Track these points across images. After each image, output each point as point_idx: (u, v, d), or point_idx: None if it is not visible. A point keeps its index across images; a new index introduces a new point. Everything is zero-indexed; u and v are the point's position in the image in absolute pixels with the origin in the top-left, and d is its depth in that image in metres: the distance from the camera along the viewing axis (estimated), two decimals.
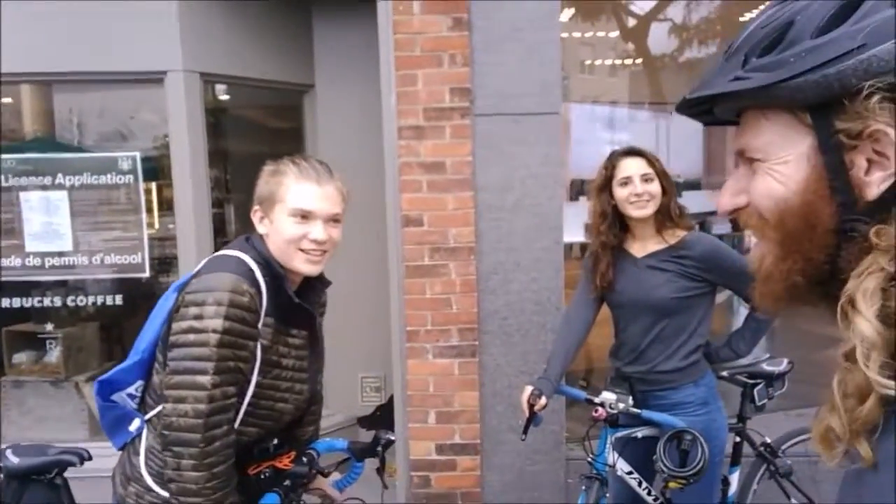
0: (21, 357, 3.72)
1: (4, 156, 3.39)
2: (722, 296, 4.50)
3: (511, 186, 3.10)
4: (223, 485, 1.45)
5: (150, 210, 3.50)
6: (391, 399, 3.42)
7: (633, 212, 2.20)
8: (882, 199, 0.55)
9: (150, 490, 1.53)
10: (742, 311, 4.64)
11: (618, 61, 5.74)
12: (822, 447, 0.60)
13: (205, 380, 1.41)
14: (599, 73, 5.90)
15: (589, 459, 2.29)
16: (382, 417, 3.67)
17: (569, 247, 3.44)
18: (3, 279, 3.45)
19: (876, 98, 0.53)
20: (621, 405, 2.17)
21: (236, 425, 1.51)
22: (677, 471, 1.98)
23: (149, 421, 1.57)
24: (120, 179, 3.37)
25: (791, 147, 0.59)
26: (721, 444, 2.28)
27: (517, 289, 3.14)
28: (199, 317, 1.42)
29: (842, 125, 0.55)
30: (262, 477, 1.59)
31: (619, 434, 2.24)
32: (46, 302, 3.55)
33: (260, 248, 1.55)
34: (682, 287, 2.19)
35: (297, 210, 1.51)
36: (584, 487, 2.29)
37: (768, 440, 2.72)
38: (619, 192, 2.21)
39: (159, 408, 1.51)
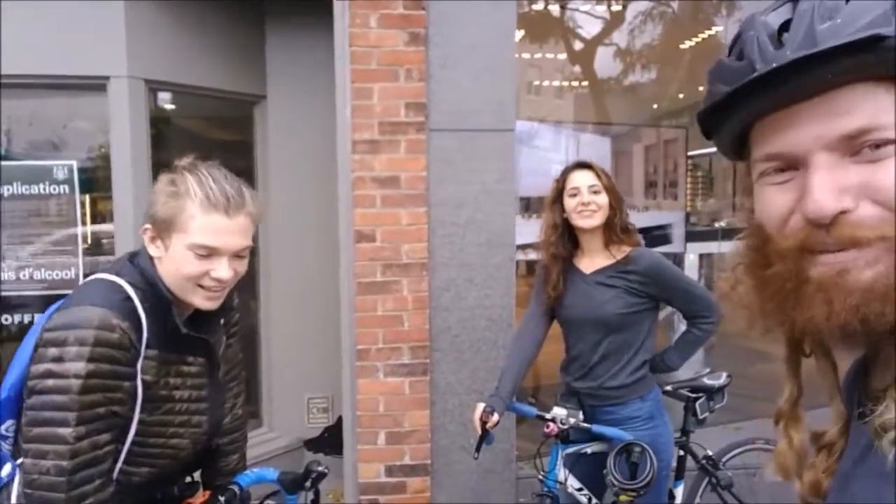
0: None
1: None
2: (662, 313, 4.63)
3: (465, 202, 3.10)
4: None
5: (84, 223, 3.33)
6: (339, 420, 3.33)
7: (580, 221, 2.26)
8: None
9: None
10: (681, 328, 4.78)
11: (564, 83, 5.86)
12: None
13: (66, 432, 1.22)
14: (546, 94, 6.01)
15: (540, 477, 2.30)
16: (330, 439, 3.58)
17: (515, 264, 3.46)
18: None
19: None
20: (572, 420, 2.20)
21: (122, 465, 1.35)
22: (627, 483, 2.01)
23: (21, 465, 1.36)
24: (54, 190, 3.19)
25: None
26: (668, 458, 2.34)
27: (469, 305, 3.13)
28: (58, 359, 1.23)
29: None
30: None
31: (570, 450, 2.27)
32: None
33: (146, 269, 1.36)
34: (628, 303, 2.25)
35: (200, 246, 1.31)
36: None
37: (710, 453, 2.79)
38: (568, 203, 2.28)
39: None
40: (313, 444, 3.69)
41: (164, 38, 3.24)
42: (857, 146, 0.52)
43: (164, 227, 1.34)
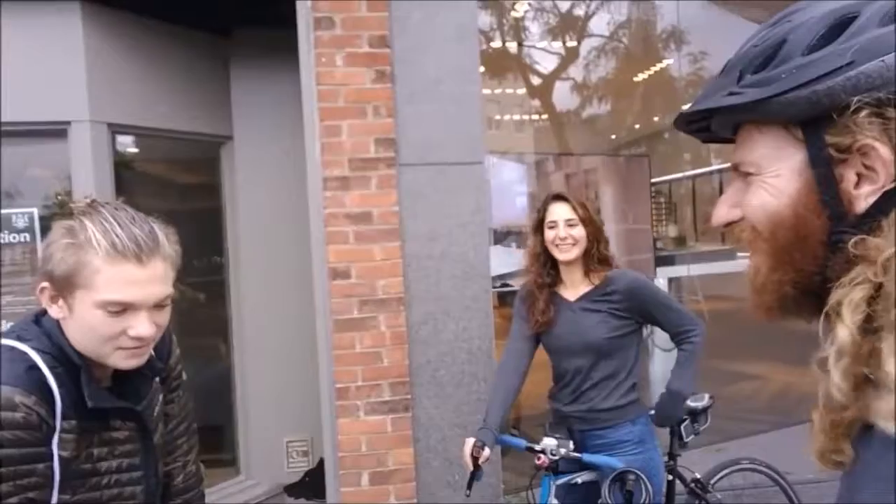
0: None
1: None
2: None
3: (438, 235, 3.10)
4: None
5: None
6: (321, 463, 3.24)
7: (558, 255, 2.30)
8: (869, 212, 0.57)
9: None
10: (658, 353, 4.82)
11: (525, 116, 5.99)
12: (819, 461, 0.61)
13: None
14: (506, 128, 6.13)
15: None
16: (311, 483, 3.47)
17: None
18: None
19: (864, 113, 0.55)
20: (562, 450, 2.18)
21: None
22: None
23: None
24: (14, 238, 3.09)
25: (783, 161, 0.61)
26: (659, 483, 2.34)
27: (448, 338, 3.11)
28: None
29: (831, 139, 0.57)
30: None
31: (561, 481, 2.24)
32: None
33: (52, 331, 1.18)
34: (614, 326, 2.27)
35: (111, 303, 1.13)
36: None
37: (698, 476, 2.80)
38: (547, 234, 2.31)
39: None
40: (294, 490, 3.58)
41: (127, 81, 3.21)
42: (740, 174, 0.65)
43: (64, 286, 1.14)
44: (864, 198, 0.57)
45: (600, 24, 5.73)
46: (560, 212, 2.29)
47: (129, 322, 1.15)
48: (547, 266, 2.35)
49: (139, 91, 3.26)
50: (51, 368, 1.16)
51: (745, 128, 0.64)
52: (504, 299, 4.05)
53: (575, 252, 2.27)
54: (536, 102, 5.97)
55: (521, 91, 5.80)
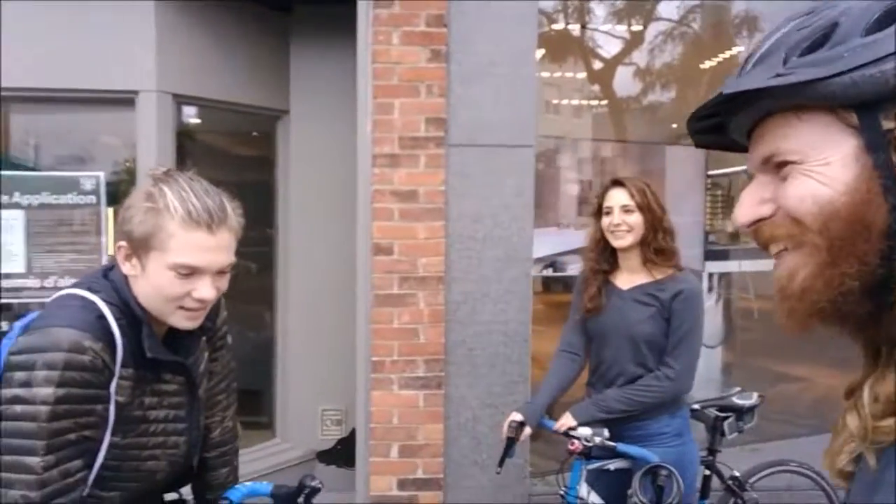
0: None
1: None
2: None
3: (482, 217, 3.12)
4: None
5: (109, 233, 3.39)
6: (353, 432, 3.34)
7: (613, 241, 2.28)
8: None
9: None
10: (702, 350, 4.72)
11: (583, 101, 5.89)
12: (830, 467, 0.60)
13: (34, 462, 1.16)
14: (565, 113, 6.04)
15: (561, 492, 2.28)
16: (343, 452, 3.58)
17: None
18: None
19: None
20: (597, 439, 2.18)
21: (91, 489, 1.28)
22: None
23: None
24: (81, 200, 3.27)
25: (833, 148, 0.57)
26: (692, 477, 2.32)
27: (485, 319, 3.14)
28: (26, 384, 1.17)
29: (890, 124, 0.55)
30: None
31: (592, 466, 2.24)
32: None
33: (120, 286, 1.29)
34: (662, 328, 2.24)
35: (182, 266, 1.23)
36: None
37: (737, 474, 2.76)
38: (603, 220, 2.30)
39: None
40: (326, 456, 3.69)
41: (192, 54, 3.32)
42: (772, 167, 0.62)
43: (140, 246, 1.25)
44: None
45: (669, 7, 5.55)
46: (617, 197, 2.26)
47: (194, 285, 1.25)
48: (605, 253, 2.33)
49: (204, 64, 3.37)
50: (116, 319, 1.26)
51: (778, 118, 0.61)
52: (547, 286, 4.03)
53: (630, 239, 2.24)
54: (596, 87, 5.86)
55: (581, 75, 5.70)
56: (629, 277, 2.32)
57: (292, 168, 3.80)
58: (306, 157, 3.77)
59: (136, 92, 3.18)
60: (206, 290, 1.26)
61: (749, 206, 0.63)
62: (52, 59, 3.09)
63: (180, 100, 3.34)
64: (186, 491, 1.59)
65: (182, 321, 1.30)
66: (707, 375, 5.05)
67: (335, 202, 3.64)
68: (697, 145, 0.73)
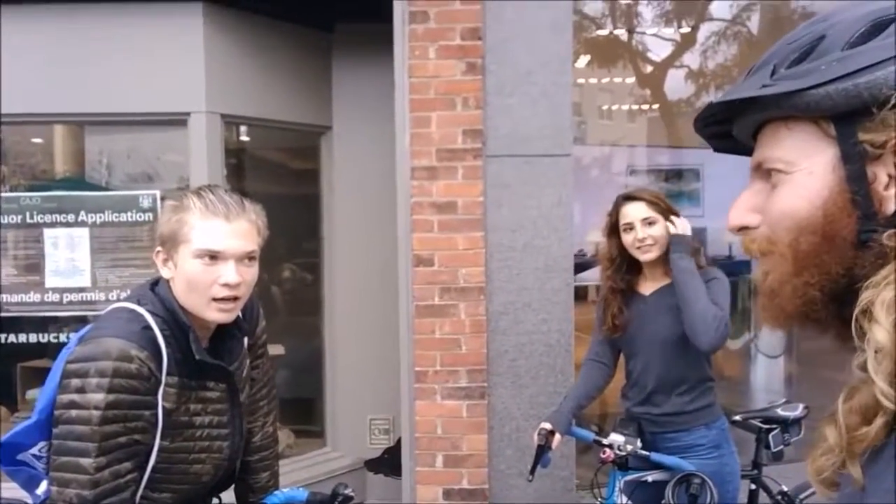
0: (35, 393, 3.75)
1: (29, 194, 3.49)
2: (738, 342, 4.44)
3: (522, 227, 3.11)
4: None
5: None
6: (399, 442, 3.37)
7: (640, 256, 2.24)
8: None
9: None
10: (760, 359, 4.55)
11: (634, 106, 5.79)
12: (818, 482, 0.59)
13: (88, 463, 1.26)
14: (617, 118, 5.96)
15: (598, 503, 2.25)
16: (390, 460, 3.62)
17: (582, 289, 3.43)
18: (21, 315, 3.51)
19: None
20: (629, 447, 2.15)
21: (144, 491, 1.39)
22: None
23: None
24: (140, 217, 3.45)
25: (815, 156, 0.59)
26: (734, 490, 2.25)
27: (527, 330, 3.12)
28: (80, 390, 1.28)
29: (865, 136, 0.56)
30: None
31: (629, 478, 2.21)
32: (63, 338, 3.59)
33: (165, 296, 1.39)
34: None
35: (203, 251, 1.35)
36: None
37: (785, 489, 2.65)
38: (625, 238, 2.25)
39: None
40: (374, 465, 3.74)
41: (240, 75, 3.47)
42: (763, 173, 0.63)
43: (170, 244, 1.38)
44: (893, 200, 0.56)
45: (722, 7, 5.41)
46: (635, 212, 2.22)
47: (219, 271, 1.35)
48: (622, 270, 2.30)
49: (250, 84, 3.51)
50: (161, 330, 1.36)
51: (771, 126, 0.63)
52: (579, 294, 3.96)
53: (656, 251, 2.21)
54: (647, 92, 5.76)
55: (631, 80, 5.62)
56: (652, 283, 2.29)
57: (336, 181, 3.90)
58: (349, 170, 3.86)
59: (188, 113, 3.34)
60: (230, 274, 1.35)
61: (740, 210, 0.65)
62: (114, 84, 3.29)
63: (228, 119, 3.48)
64: (226, 498, 1.66)
65: (216, 314, 1.38)
66: (768, 386, 4.87)
67: (378, 214, 3.71)
68: (716, 150, 0.74)
